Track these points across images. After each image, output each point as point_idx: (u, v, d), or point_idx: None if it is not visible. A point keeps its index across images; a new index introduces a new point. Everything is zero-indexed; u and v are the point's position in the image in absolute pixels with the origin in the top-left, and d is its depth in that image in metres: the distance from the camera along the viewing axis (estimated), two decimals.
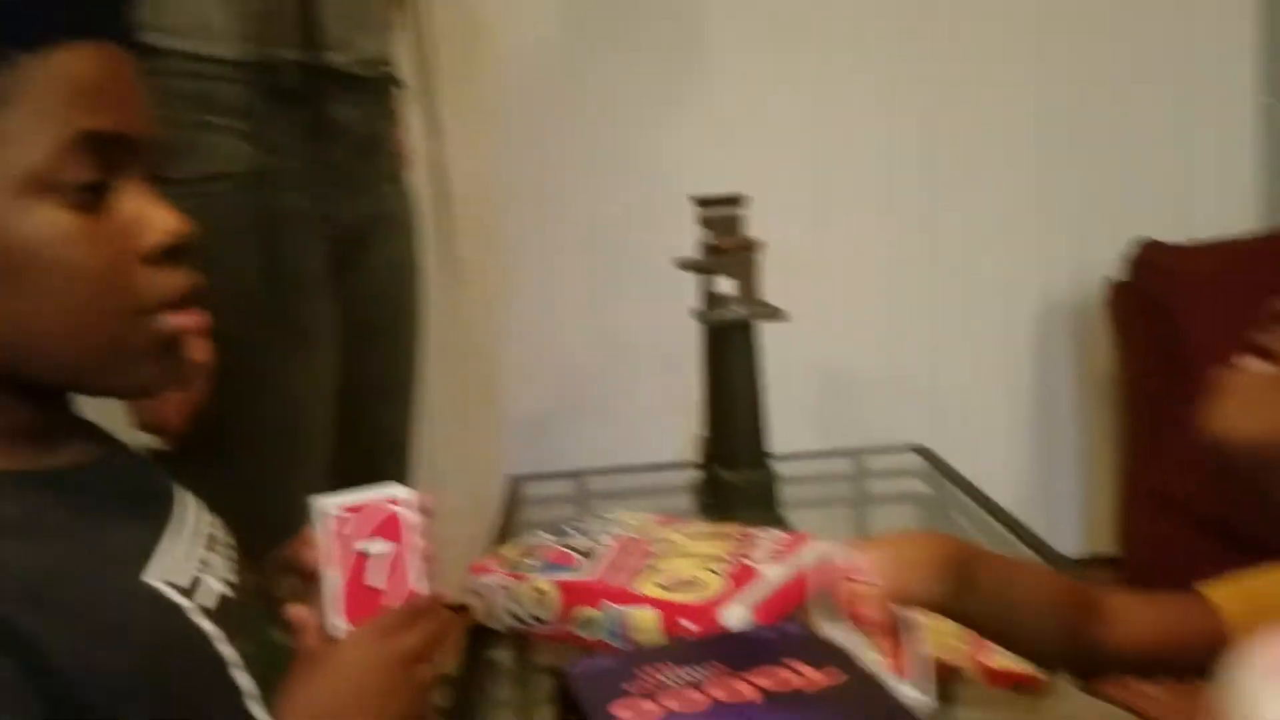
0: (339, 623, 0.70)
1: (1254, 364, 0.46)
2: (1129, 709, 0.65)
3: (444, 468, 2.12)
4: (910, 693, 0.58)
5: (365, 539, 0.72)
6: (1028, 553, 1.15)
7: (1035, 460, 2.34)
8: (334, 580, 0.71)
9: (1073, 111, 2.25)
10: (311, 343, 1.03)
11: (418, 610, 0.72)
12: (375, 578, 0.72)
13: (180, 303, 0.68)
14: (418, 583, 0.73)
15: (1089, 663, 0.67)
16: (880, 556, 0.65)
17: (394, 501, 0.73)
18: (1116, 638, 0.66)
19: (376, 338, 1.16)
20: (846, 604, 0.60)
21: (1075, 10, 2.23)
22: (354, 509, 0.72)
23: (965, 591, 0.66)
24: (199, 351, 0.81)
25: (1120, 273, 2.13)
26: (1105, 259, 2.18)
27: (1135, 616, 0.66)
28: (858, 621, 0.59)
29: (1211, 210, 2.24)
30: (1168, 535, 1.92)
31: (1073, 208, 2.28)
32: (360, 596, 0.71)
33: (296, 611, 0.71)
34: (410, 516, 0.73)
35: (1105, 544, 2.28)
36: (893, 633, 0.61)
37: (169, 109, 0.93)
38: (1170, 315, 1.90)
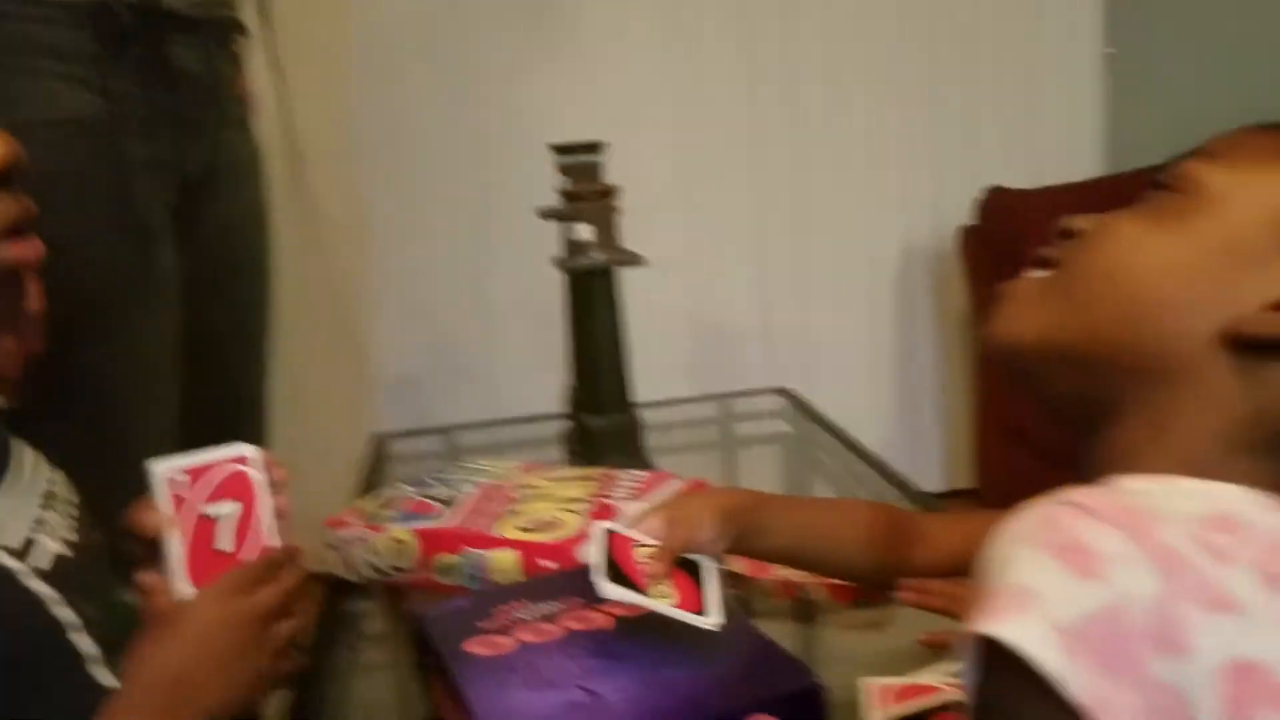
0: (185, 588, 0.68)
1: (1032, 273, 0.49)
2: (921, 607, 0.70)
3: (309, 426, 2.07)
4: (706, 619, 0.62)
5: (209, 502, 0.70)
6: (890, 489, 1.19)
7: (898, 400, 2.43)
8: (176, 546, 0.69)
9: (930, 65, 2.31)
10: (155, 293, 0.99)
11: (271, 566, 0.71)
12: (223, 540, 0.70)
13: (13, 231, 0.65)
14: (271, 540, 0.72)
15: (898, 578, 0.71)
16: (662, 517, 0.68)
17: (239, 461, 0.72)
18: (926, 556, 0.70)
19: (223, 289, 1.13)
20: (629, 565, 0.64)
21: None
22: (195, 471, 0.70)
23: (754, 536, 0.70)
24: (33, 299, 0.77)
25: (972, 218, 2.23)
26: (960, 205, 2.27)
27: (945, 535, 0.70)
28: (640, 578, 0.63)
29: (1058, 157, 2.35)
30: (1019, 466, 2.02)
31: (929, 157, 2.35)
32: (207, 560, 0.69)
33: (143, 577, 0.69)
34: (257, 475, 0.72)
35: (965, 479, 2.39)
36: (683, 578, 0.65)
37: (3, 54, 0.88)
38: (1016, 256, 1.96)
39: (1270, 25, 2.40)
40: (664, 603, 0.62)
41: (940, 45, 2.32)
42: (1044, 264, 0.50)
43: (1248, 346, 0.42)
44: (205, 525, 0.69)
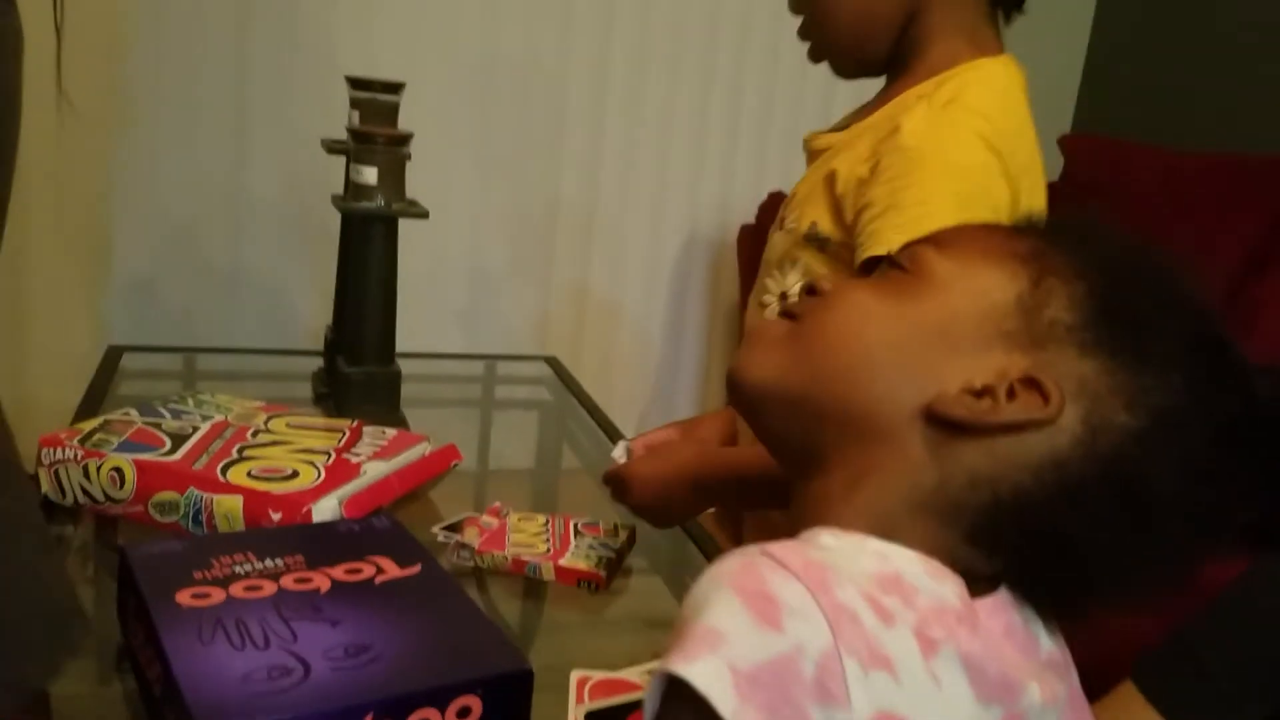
0: None
1: (778, 320, 0.53)
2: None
3: (37, 328, 1.91)
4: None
5: None
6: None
7: (659, 381, 2.51)
8: None
9: (727, 83, 2.37)
10: None
11: None
12: None
13: None
14: None
15: None
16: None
17: None
18: None
19: None
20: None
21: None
22: None
23: (702, 498, 0.89)
24: None
25: (752, 218, 2.33)
26: (745, 206, 2.36)
27: None
28: None
29: None
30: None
31: (722, 158, 2.42)
32: None
33: None
34: None
35: None
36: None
37: None
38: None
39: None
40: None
41: (741, 68, 2.37)
42: (790, 315, 0.53)
43: (942, 423, 0.47)
44: None
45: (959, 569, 0.46)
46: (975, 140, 0.77)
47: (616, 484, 0.92)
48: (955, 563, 0.46)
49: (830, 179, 0.85)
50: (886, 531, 0.46)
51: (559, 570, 0.87)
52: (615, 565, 0.90)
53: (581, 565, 0.87)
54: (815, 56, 0.91)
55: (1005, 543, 0.47)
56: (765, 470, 0.81)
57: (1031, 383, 0.46)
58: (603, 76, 2.27)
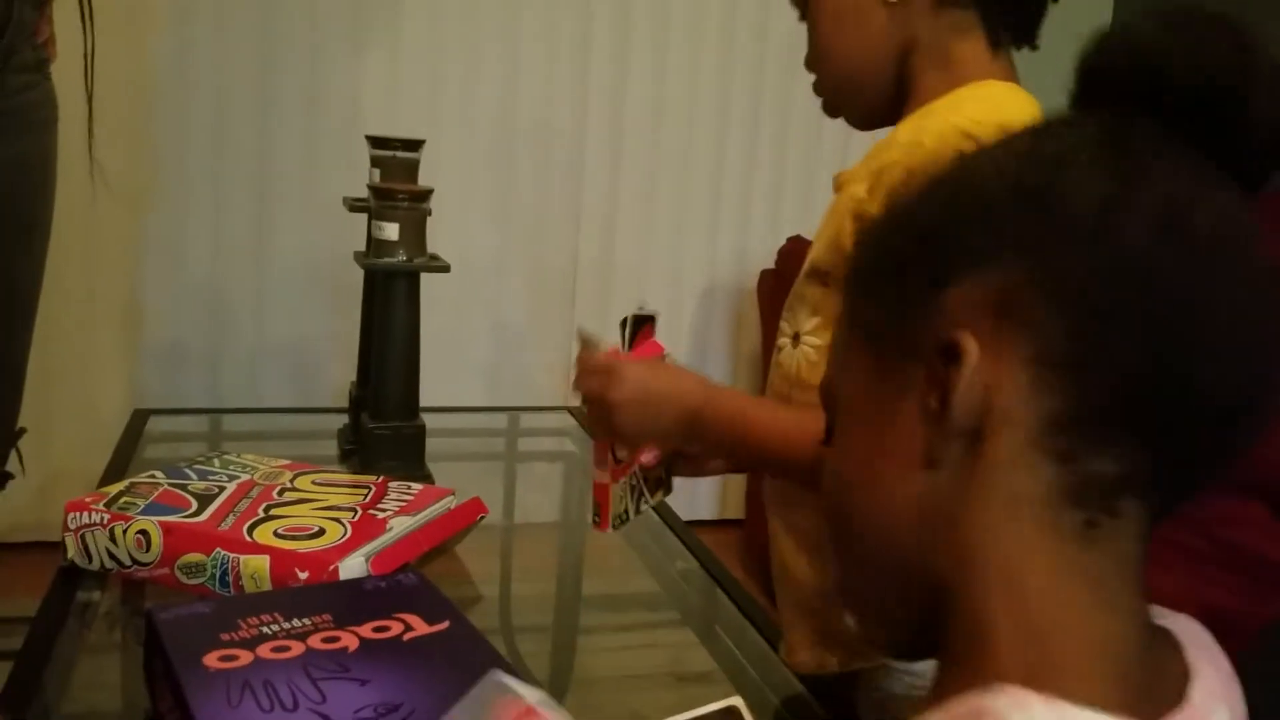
0: None
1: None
2: None
3: (66, 391, 1.92)
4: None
5: None
6: (649, 511, 1.23)
7: None
8: None
9: (742, 128, 2.39)
10: None
11: None
12: None
13: None
14: None
15: None
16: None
17: None
18: None
19: None
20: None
21: (747, 43, 2.35)
22: None
23: (688, 435, 0.82)
24: None
25: (772, 264, 2.33)
26: (765, 253, 2.37)
27: None
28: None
29: None
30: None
31: (739, 206, 2.43)
32: None
33: None
34: None
35: (735, 509, 2.49)
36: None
37: None
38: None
39: None
40: None
41: (758, 114, 2.39)
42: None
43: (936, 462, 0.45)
44: None
45: (1097, 495, 0.40)
46: (954, 133, 0.73)
47: (602, 374, 0.80)
48: (1087, 488, 0.40)
49: (833, 208, 0.86)
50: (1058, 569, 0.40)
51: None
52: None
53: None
54: (830, 111, 0.91)
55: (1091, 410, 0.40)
56: (770, 434, 0.79)
57: (950, 350, 0.41)
58: (619, 129, 2.29)
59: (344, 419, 1.34)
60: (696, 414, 0.80)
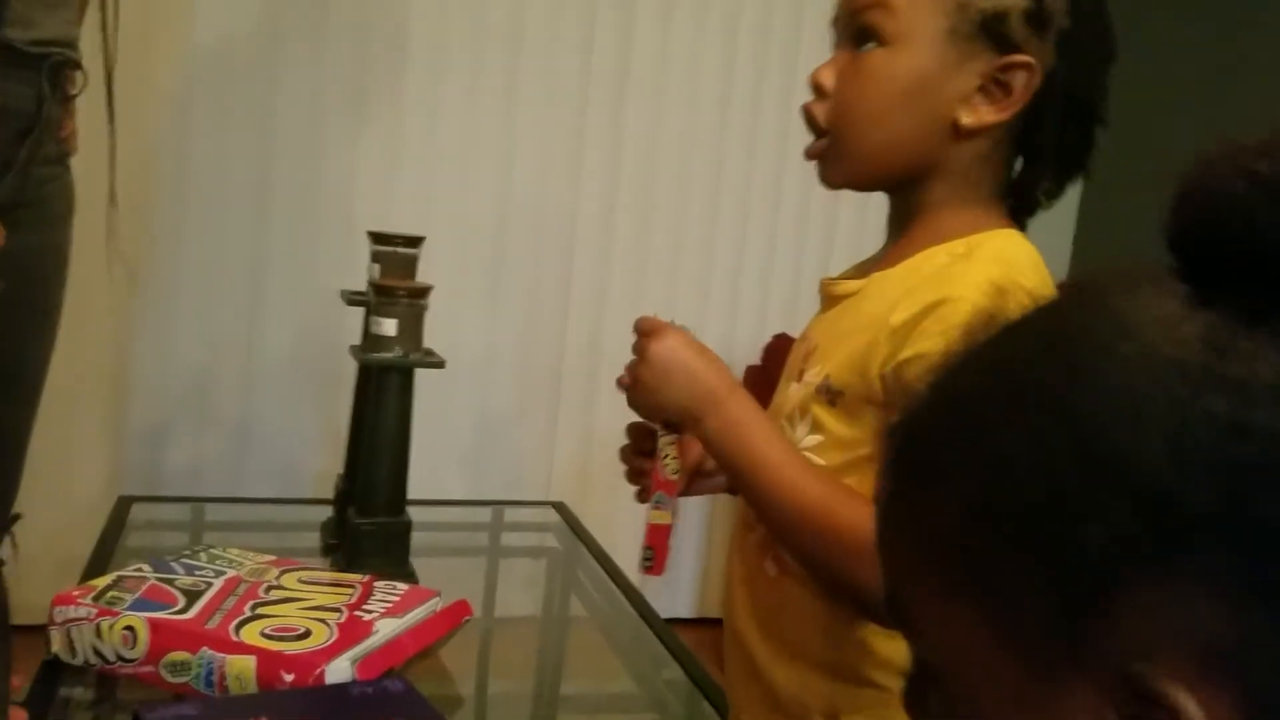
0: None
1: None
2: None
3: (49, 474, 1.91)
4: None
5: None
6: (631, 611, 1.23)
7: None
8: None
9: (730, 228, 2.44)
10: None
11: None
12: None
13: None
14: None
15: None
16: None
17: None
18: None
19: (6, 322, 1.06)
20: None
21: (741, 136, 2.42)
22: None
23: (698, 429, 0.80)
24: None
25: (758, 359, 2.37)
26: (751, 349, 2.40)
27: None
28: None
29: None
30: None
31: (725, 304, 2.47)
32: None
33: None
34: None
35: (717, 608, 2.47)
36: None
37: None
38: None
39: None
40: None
41: (744, 213, 2.45)
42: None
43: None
44: None
45: None
46: (1018, 293, 0.75)
47: (651, 332, 0.81)
48: None
49: (855, 326, 0.83)
50: None
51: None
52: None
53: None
54: (819, 152, 0.85)
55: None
56: (769, 459, 0.75)
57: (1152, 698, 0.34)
58: (610, 225, 2.34)
59: (327, 511, 1.34)
60: (713, 400, 0.79)
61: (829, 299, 0.90)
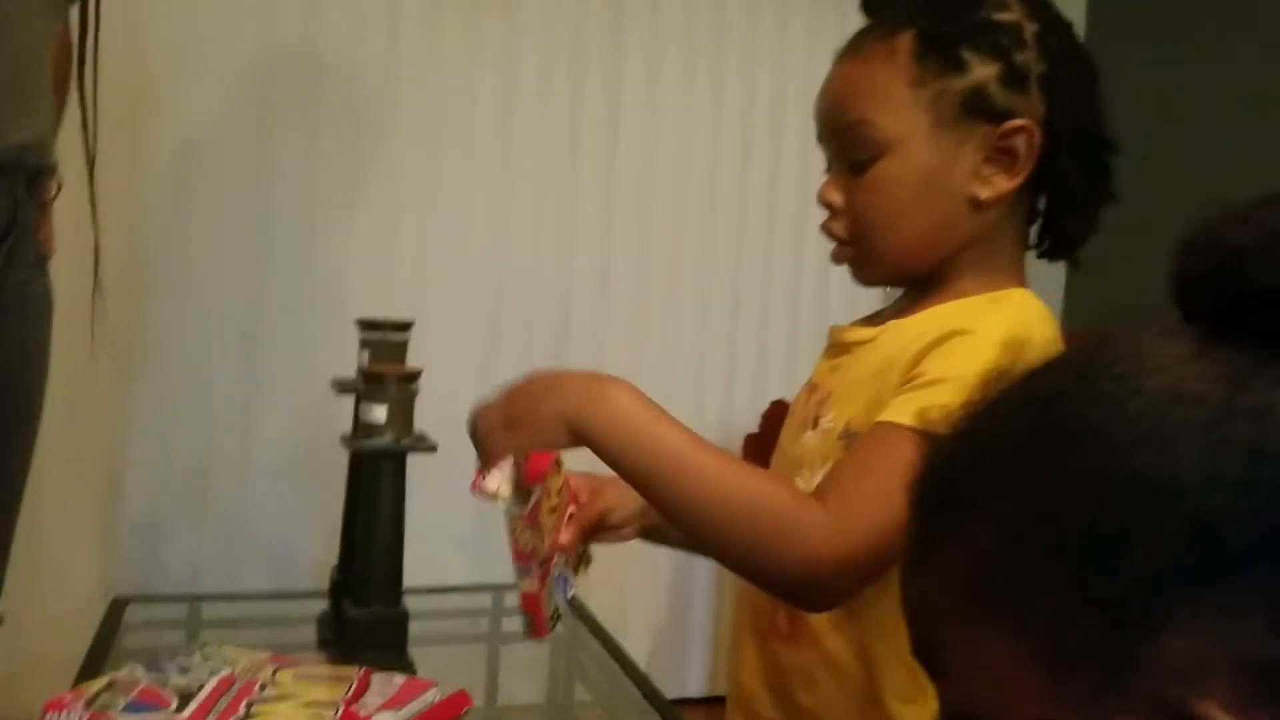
0: None
1: None
2: None
3: (41, 572, 1.89)
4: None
5: None
6: (637, 695, 1.20)
7: (671, 599, 2.46)
8: None
9: (724, 299, 2.46)
10: None
11: None
12: None
13: None
14: None
15: None
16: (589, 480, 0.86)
17: None
18: None
19: None
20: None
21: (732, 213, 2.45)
22: None
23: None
24: None
25: (756, 428, 2.36)
26: (749, 417, 2.40)
27: None
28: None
29: None
30: None
31: (722, 372, 2.48)
32: None
33: None
34: None
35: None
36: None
37: None
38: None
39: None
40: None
41: (737, 283, 2.47)
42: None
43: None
44: None
45: None
46: (1044, 346, 0.76)
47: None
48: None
49: (872, 371, 0.83)
50: None
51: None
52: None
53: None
54: (848, 257, 0.87)
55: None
56: (675, 436, 0.71)
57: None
58: (603, 303, 2.35)
59: (323, 604, 1.32)
60: (592, 392, 0.75)
61: (838, 346, 0.90)
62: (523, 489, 0.76)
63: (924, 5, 0.82)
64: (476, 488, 0.76)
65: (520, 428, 0.76)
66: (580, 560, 0.89)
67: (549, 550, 0.81)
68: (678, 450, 0.72)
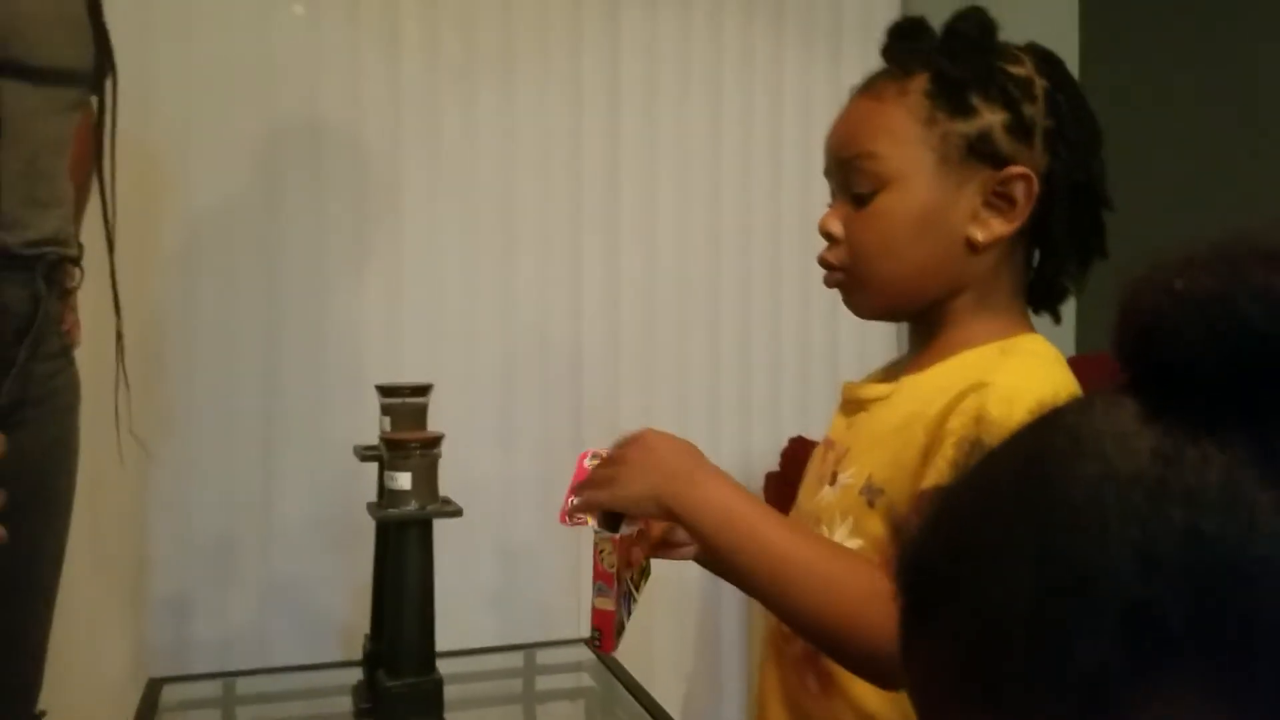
0: None
1: None
2: None
3: (77, 661, 1.89)
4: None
5: None
6: None
7: (701, 647, 2.44)
8: None
9: (734, 337, 2.46)
10: None
11: None
12: None
13: None
14: None
15: None
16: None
17: None
18: None
19: (14, 523, 1.06)
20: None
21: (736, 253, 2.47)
22: None
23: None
24: None
25: (777, 466, 2.35)
26: (769, 455, 2.39)
27: None
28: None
29: None
30: None
31: (738, 411, 2.47)
32: None
33: None
34: None
35: None
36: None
37: None
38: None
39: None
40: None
41: (750, 319, 2.48)
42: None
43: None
44: None
45: None
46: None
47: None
48: None
49: (891, 427, 0.83)
50: None
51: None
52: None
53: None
54: (841, 284, 0.89)
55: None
56: (767, 523, 0.74)
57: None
58: (616, 351, 2.36)
59: (356, 673, 1.31)
60: (676, 480, 0.79)
61: (853, 403, 0.91)
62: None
63: (940, 51, 0.84)
64: (566, 516, 0.86)
65: (618, 487, 0.82)
66: (641, 574, 0.91)
67: (623, 568, 0.85)
68: (767, 539, 0.76)
